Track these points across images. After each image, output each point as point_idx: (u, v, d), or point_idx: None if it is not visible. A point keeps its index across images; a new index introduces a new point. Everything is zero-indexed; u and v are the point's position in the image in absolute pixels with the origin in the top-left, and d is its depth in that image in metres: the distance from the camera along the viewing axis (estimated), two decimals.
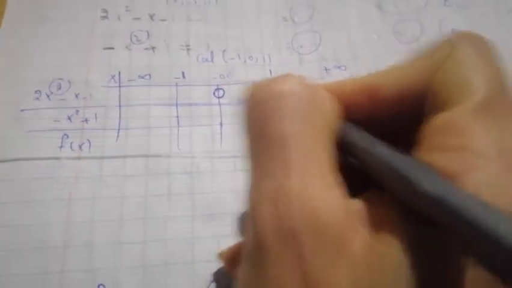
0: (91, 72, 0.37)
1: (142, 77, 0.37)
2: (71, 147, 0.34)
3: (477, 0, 0.42)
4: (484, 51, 0.16)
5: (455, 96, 0.15)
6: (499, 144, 0.14)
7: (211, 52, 0.39)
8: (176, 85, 0.37)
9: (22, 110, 0.35)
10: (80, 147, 0.34)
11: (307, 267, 0.13)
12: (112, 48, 0.38)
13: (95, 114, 0.35)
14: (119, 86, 0.37)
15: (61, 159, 0.33)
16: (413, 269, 0.13)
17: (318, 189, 0.14)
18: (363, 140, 0.16)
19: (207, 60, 0.39)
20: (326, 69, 0.38)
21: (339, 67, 0.38)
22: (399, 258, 0.13)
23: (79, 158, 0.34)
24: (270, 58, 0.39)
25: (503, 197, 0.13)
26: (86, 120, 0.35)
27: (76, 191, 0.32)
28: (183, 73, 0.38)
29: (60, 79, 0.36)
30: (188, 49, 0.39)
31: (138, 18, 0.40)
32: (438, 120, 0.15)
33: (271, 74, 0.38)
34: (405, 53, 0.39)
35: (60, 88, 0.36)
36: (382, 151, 0.15)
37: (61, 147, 0.34)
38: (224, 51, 0.39)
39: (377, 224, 0.14)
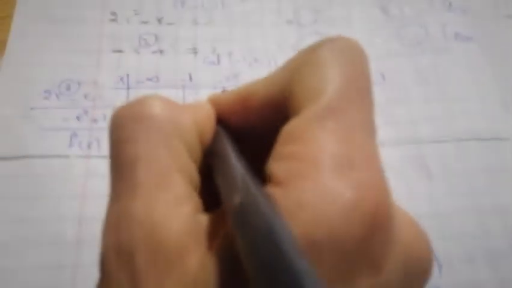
0: (100, 74, 0.38)
1: (150, 80, 0.38)
2: (79, 146, 0.35)
3: (479, 5, 0.42)
4: (345, 57, 0.15)
5: (303, 102, 0.15)
6: (336, 151, 0.13)
7: (218, 55, 0.40)
8: (183, 87, 0.38)
9: (32, 109, 0.36)
10: (88, 146, 0.35)
11: (140, 286, 0.13)
12: (121, 51, 0.39)
13: (104, 115, 0.36)
14: (128, 88, 0.38)
15: (70, 157, 0.34)
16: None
17: (161, 209, 0.14)
18: (221, 152, 0.16)
19: (213, 63, 0.39)
20: None
21: None
22: (222, 276, 0.13)
23: (88, 156, 0.34)
24: (275, 60, 0.40)
25: (328, 206, 0.12)
26: (95, 121, 0.36)
27: (87, 188, 0.33)
28: (190, 75, 0.39)
29: (70, 80, 0.37)
30: (195, 52, 0.40)
31: (146, 22, 0.41)
32: (285, 127, 0.15)
33: None
34: (408, 56, 0.39)
35: (69, 89, 0.37)
36: (229, 166, 0.15)
37: (70, 145, 0.35)
38: (230, 54, 0.40)
39: (215, 239, 0.14)
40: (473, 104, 0.37)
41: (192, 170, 0.16)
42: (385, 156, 0.34)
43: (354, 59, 0.16)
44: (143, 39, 0.40)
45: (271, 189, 0.13)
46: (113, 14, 0.41)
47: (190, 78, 0.39)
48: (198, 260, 0.13)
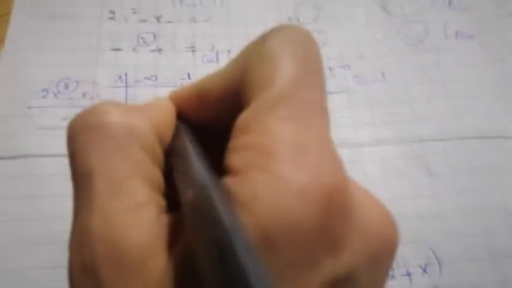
0: (98, 73, 0.38)
1: (149, 78, 0.38)
2: None
3: (480, 3, 0.42)
4: (295, 46, 0.15)
5: (255, 92, 0.15)
6: (289, 139, 0.13)
7: (216, 53, 0.40)
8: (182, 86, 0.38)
9: (29, 107, 0.35)
10: None
11: None
12: (119, 49, 0.39)
13: None
14: (126, 87, 0.37)
15: None
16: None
17: (119, 219, 0.14)
18: (179, 149, 0.16)
19: (212, 61, 0.39)
20: (329, 69, 0.39)
21: (343, 67, 0.39)
22: (185, 276, 0.13)
23: None
24: None
25: (282, 194, 0.12)
26: None
27: None
28: (189, 74, 0.38)
29: (68, 78, 0.37)
30: (193, 50, 0.40)
31: (145, 20, 0.41)
32: (239, 119, 0.15)
33: None
34: (409, 54, 0.39)
35: (67, 87, 0.37)
36: (186, 162, 0.15)
37: None
38: (229, 51, 0.40)
39: (179, 240, 0.14)
40: (476, 102, 0.37)
41: (154, 172, 0.16)
42: (387, 155, 0.34)
43: (305, 47, 0.15)
44: (142, 38, 0.40)
45: (228, 181, 0.13)
46: (112, 12, 0.41)
47: (189, 77, 0.38)
48: (161, 264, 0.13)
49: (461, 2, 0.42)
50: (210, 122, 0.18)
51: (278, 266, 0.12)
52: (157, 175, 0.16)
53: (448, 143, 0.35)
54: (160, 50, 0.39)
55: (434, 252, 0.31)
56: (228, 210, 0.12)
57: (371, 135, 0.36)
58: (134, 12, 0.41)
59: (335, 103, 0.37)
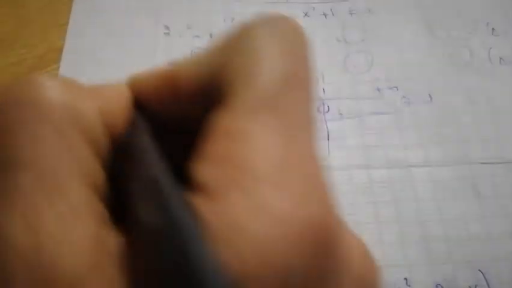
0: None
1: None
2: None
3: None
4: (285, 42, 0.13)
5: (235, 89, 0.12)
6: (276, 155, 0.11)
7: None
8: None
9: None
10: None
11: None
12: None
13: None
14: None
15: None
16: None
17: (48, 228, 0.11)
18: (135, 148, 0.13)
19: None
20: (378, 90, 0.40)
21: (391, 88, 0.40)
22: None
23: None
24: (323, 77, 0.41)
25: (269, 230, 0.10)
26: None
27: None
28: None
29: None
30: None
31: (198, 36, 0.42)
32: (214, 120, 0.12)
33: (324, 93, 0.40)
34: (456, 77, 0.40)
35: None
36: (144, 167, 0.12)
37: None
38: None
39: (124, 262, 0.11)
40: None
41: (96, 171, 0.13)
42: (436, 176, 0.35)
43: (296, 44, 0.13)
44: (195, 53, 0.41)
45: (198, 201, 0.11)
46: (167, 28, 0.42)
47: None
48: (106, 282, 0.11)
49: (503, 28, 0.43)
50: (176, 118, 0.15)
51: None
52: (100, 175, 0.13)
53: (494, 167, 0.36)
54: None
55: (483, 274, 0.32)
56: (203, 246, 0.10)
57: (419, 155, 0.37)
58: (188, 28, 0.42)
59: (383, 123, 0.38)
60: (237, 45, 0.13)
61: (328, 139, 0.38)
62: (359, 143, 0.37)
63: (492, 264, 0.33)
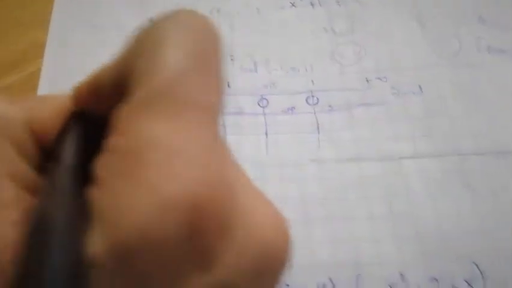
0: None
1: None
2: None
3: (509, 17, 0.43)
4: (189, 32, 0.13)
5: (135, 84, 0.13)
6: (165, 144, 0.12)
7: (255, 62, 0.40)
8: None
9: None
10: None
11: None
12: None
13: None
14: None
15: None
16: None
17: None
18: (56, 152, 0.15)
19: (250, 70, 0.40)
20: (367, 80, 0.39)
21: (380, 78, 0.39)
22: None
23: None
24: (312, 68, 0.40)
25: (143, 208, 0.11)
26: None
27: None
28: (228, 83, 0.39)
29: None
30: (232, 59, 0.40)
31: None
32: (115, 114, 0.13)
33: (313, 84, 0.39)
34: (445, 68, 0.40)
35: None
36: (54, 169, 0.14)
37: None
38: (267, 61, 0.40)
39: None
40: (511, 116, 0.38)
41: (24, 170, 0.14)
42: (427, 168, 0.35)
43: (200, 37, 0.13)
44: None
45: (93, 192, 0.12)
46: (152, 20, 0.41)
47: (228, 85, 0.39)
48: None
49: (491, 17, 0.43)
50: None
51: (140, 281, 0.11)
52: (29, 175, 0.14)
53: (486, 157, 0.36)
54: None
55: (477, 266, 0.32)
56: (67, 234, 0.11)
57: (410, 147, 0.36)
58: None
59: (373, 114, 0.38)
60: (143, 38, 0.14)
61: (318, 132, 0.37)
62: (349, 135, 0.37)
63: (486, 256, 0.33)
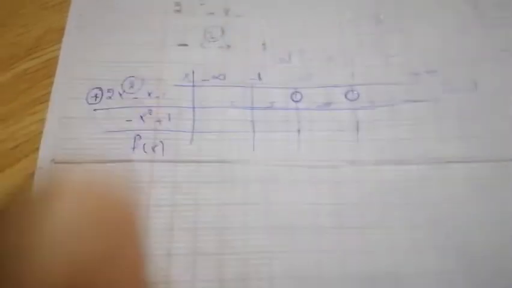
0: (165, 70, 0.35)
1: (217, 77, 0.35)
2: (144, 149, 0.32)
3: None
4: None
5: None
6: None
7: (289, 52, 0.37)
8: (252, 87, 0.35)
9: (95, 110, 0.34)
10: (153, 149, 0.32)
11: None
12: (186, 45, 0.37)
13: (169, 115, 0.34)
14: (193, 86, 0.35)
15: (134, 161, 0.32)
16: None
17: None
18: None
19: (284, 60, 0.37)
20: (414, 74, 0.36)
21: (429, 72, 0.36)
22: None
23: (152, 161, 0.32)
24: (352, 59, 0.37)
25: None
26: (159, 121, 0.33)
27: (152, 196, 0.31)
28: (259, 74, 0.36)
29: (133, 77, 0.35)
30: (264, 49, 0.37)
31: (212, 13, 0.38)
32: None
33: (353, 77, 0.36)
34: (505, 60, 0.36)
35: (132, 86, 0.35)
36: None
37: (134, 148, 0.32)
38: (302, 51, 0.37)
39: None
40: None
41: None
42: (477, 174, 0.31)
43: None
44: (209, 32, 0.37)
45: None
46: (177, 4, 0.38)
47: (259, 77, 0.36)
48: None
49: None
50: None
51: None
52: None
53: None
54: (228, 47, 0.37)
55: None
56: None
57: (459, 150, 0.33)
58: (201, 4, 0.38)
59: (419, 113, 0.34)
60: None
61: (357, 130, 0.34)
62: (392, 135, 0.34)
63: None
